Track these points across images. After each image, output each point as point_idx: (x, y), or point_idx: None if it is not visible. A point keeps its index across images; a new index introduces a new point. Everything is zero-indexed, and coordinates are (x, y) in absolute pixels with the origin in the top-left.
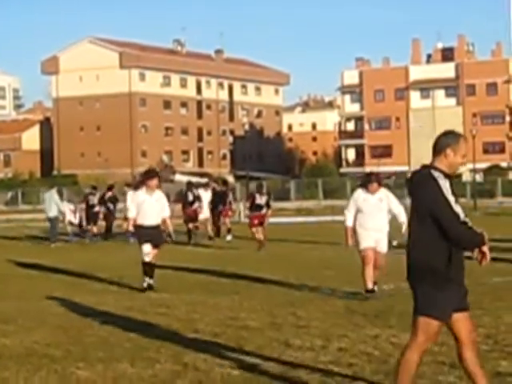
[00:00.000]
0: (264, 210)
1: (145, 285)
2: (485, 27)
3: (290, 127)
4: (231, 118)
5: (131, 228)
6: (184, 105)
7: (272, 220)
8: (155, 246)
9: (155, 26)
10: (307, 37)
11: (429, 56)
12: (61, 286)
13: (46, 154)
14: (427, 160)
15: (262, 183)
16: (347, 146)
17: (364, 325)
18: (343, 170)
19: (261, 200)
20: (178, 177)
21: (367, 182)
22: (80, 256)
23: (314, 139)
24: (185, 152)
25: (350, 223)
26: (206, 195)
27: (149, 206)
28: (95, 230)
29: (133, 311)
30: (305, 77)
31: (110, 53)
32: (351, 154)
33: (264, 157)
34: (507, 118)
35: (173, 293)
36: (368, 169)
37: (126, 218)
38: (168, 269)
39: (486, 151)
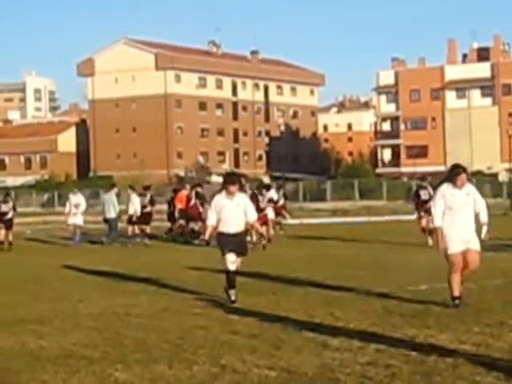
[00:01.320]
0: (266, 211)
1: (233, 298)
2: None
3: (325, 128)
4: (267, 118)
5: (207, 237)
6: (220, 106)
7: (308, 220)
8: (238, 254)
9: (190, 27)
10: (342, 37)
11: (464, 56)
12: (96, 287)
13: (82, 155)
14: (463, 160)
15: (262, 183)
16: (383, 147)
17: (401, 325)
18: (379, 170)
19: (262, 202)
20: (214, 178)
21: (455, 174)
22: (116, 257)
23: (350, 140)
24: (221, 153)
25: (439, 222)
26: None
27: (230, 212)
28: (148, 230)
29: (169, 312)
30: (340, 77)
31: (146, 54)
32: (387, 155)
33: (299, 157)
34: None
35: (209, 293)
36: (404, 169)
37: (130, 221)
38: (205, 270)
39: None
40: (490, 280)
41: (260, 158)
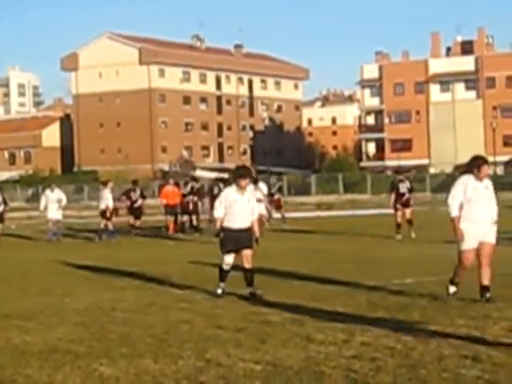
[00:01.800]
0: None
1: (219, 291)
2: (504, 20)
3: (309, 122)
4: (251, 113)
5: (218, 227)
6: (204, 100)
7: (293, 214)
8: (244, 248)
9: (174, 21)
10: (326, 31)
11: (448, 49)
12: (83, 282)
13: (67, 150)
14: (448, 154)
15: (228, 179)
16: (367, 140)
17: (387, 318)
18: (363, 164)
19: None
20: (198, 172)
21: (477, 166)
22: (102, 252)
23: (334, 133)
24: (205, 147)
25: (456, 212)
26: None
27: (240, 208)
28: (138, 223)
29: (155, 307)
30: (324, 71)
31: (129, 49)
32: (371, 148)
33: (284, 151)
34: None
35: (195, 288)
36: (388, 162)
37: (102, 214)
38: (190, 264)
39: (506, 144)
40: (475, 272)
41: (244, 152)
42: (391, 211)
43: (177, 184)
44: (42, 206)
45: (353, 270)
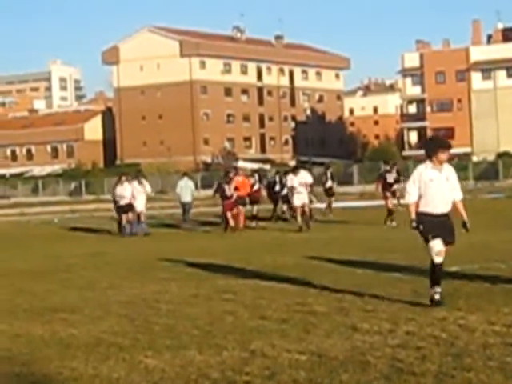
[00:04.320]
0: (234, 197)
1: (437, 297)
2: None
3: (351, 111)
4: (292, 103)
5: (413, 216)
6: (245, 92)
7: (336, 204)
8: (446, 243)
9: (214, 13)
10: (367, 20)
11: (489, 37)
12: (125, 274)
13: (109, 143)
14: (490, 142)
15: (228, 173)
16: (409, 129)
17: (431, 308)
18: (406, 153)
19: (229, 191)
20: (240, 163)
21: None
22: (143, 244)
23: (376, 123)
24: (247, 139)
25: None
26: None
27: (438, 187)
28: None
29: (199, 298)
30: (365, 60)
31: (170, 41)
32: (413, 137)
33: (326, 141)
34: None
35: (239, 279)
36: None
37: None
38: (232, 255)
39: None
40: None
41: (286, 142)
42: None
43: (245, 174)
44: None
45: (396, 259)
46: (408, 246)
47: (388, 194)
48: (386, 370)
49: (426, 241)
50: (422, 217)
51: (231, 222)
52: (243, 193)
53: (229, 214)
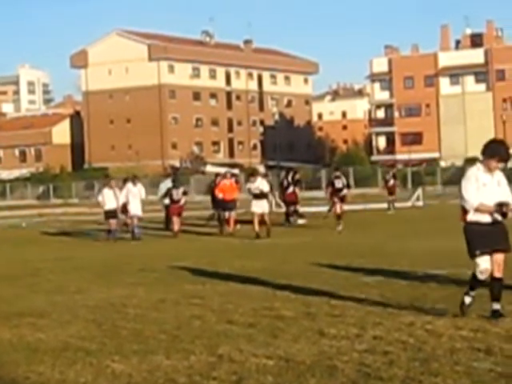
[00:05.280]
0: (181, 202)
1: (467, 300)
2: None
3: (319, 116)
4: (261, 108)
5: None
6: (213, 96)
7: (304, 209)
8: (501, 251)
9: (183, 17)
10: (335, 25)
11: (458, 42)
12: (93, 279)
13: (77, 147)
14: (458, 147)
15: (177, 178)
16: (378, 134)
17: (398, 312)
18: (374, 157)
19: (177, 195)
20: (208, 168)
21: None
22: (112, 249)
23: (345, 127)
24: (215, 143)
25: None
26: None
27: (491, 193)
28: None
29: (166, 303)
30: (334, 65)
31: (139, 45)
32: (382, 142)
33: (294, 146)
34: None
35: (207, 283)
36: (399, 156)
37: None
38: (201, 260)
39: None
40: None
41: (255, 147)
42: (401, 205)
43: (233, 177)
44: (123, 198)
45: (364, 264)
46: (375, 251)
47: (336, 200)
48: (353, 374)
49: (473, 255)
50: (471, 228)
51: (175, 228)
52: (230, 197)
53: (174, 219)
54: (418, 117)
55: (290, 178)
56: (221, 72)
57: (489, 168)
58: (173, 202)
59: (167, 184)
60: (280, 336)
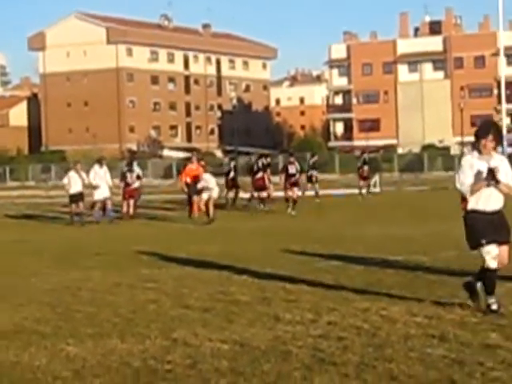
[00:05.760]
0: (135, 186)
1: (494, 307)
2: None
3: (277, 101)
4: (219, 92)
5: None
6: (172, 80)
7: (261, 194)
8: (501, 243)
9: (141, 0)
10: (294, 11)
11: (416, 29)
12: (49, 262)
13: (34, 130)
14: (415, 134)
15: (132, 161)
16: (335, 120)
17: (354, 298)
18: (331, 143)
19: (131, 179)
20: (166, 152)
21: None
22: (71, 232)
23: (302, 113)
24: (173, 127)
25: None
26: None
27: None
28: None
29: (121, 287)
30: (292, 51)
31: (97, 28)
32: (339, 128)
33: (252, 131)
34: (495, 91)
35: (162, 267)
36: (357, 142)
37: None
38: (157, 245)
39: (474, 124)
40: (443, 252)
41: (212, 131)
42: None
43: (200, 161)
44: (92, 180)
45: (320, 249)
46: (331, 236)
47: (288, 186)
48: (307, 359)
49: (476, 246)
50: (472, 216)
51: (128, 210)
52: (196, 180)
53: (127, 202)
54: (376, 103)
55: (260, 164)
56: (179, 56)
57: (485, 150)
58: (127, 185)
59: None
60: (235, 321)
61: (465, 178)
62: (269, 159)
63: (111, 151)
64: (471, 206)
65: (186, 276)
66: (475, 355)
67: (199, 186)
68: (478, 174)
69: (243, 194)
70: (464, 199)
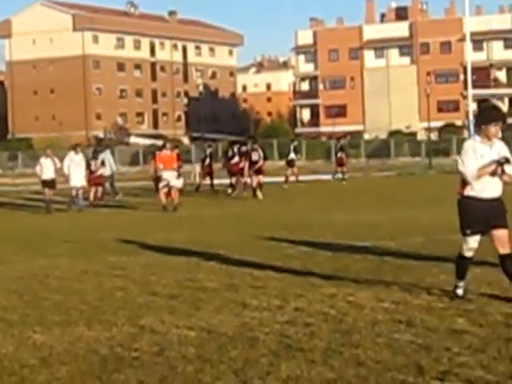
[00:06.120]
0: (99, 173)
1: (459, 292)
2: None
3: (244, 88)
4: (185, 79)
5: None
6: (138, 67)
7: (227, 181)
8: (501, 226)
9: None
10: None
11: (383, 15)
12: (17, 250)
13: (0, 118)
14: (382, 120)
15: (96, 149)
16: (302, 107)
17: (320, 284)
18: (298, 130)
19: (95, 166)
20: (132, 139)
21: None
22: (39, 220)
23: (269, 100)
24: (139, 114)
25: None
26: None
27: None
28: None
29: (88, 274)
30: (258, 37)
31: (63, 15)
32: (306, 115)
33: (219, 118)
34: (461, 77)
35: (129, 255)
36: (323, 129)
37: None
38: (125, 232)
39: (440, 110)
40: (409, 238)
41: (179, 118)
42: (325, 177)
43: (174, 148)
44: (65, 169)
45: (288, 235)
46: (299, 223)
47: (251, 173)
48: (274, 346)
49: (463, 233)
50: (467, 202)
51: (94, 196)
52: (170, 167)
53: (93, 189)
54: (343, 89)
55: (235, 149)
56: (145, 43)
57: (488, 136)
58: (91, 172)
59: (107, 155)
60: (202, 307)
61: (469, 162)
62: (249, 146)
63: (78, 138)
64: (467, 191)
65: (154, 263)
66: (442, 340)
67: (165, 176)
68: (481, 157)
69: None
70: (464, 184)
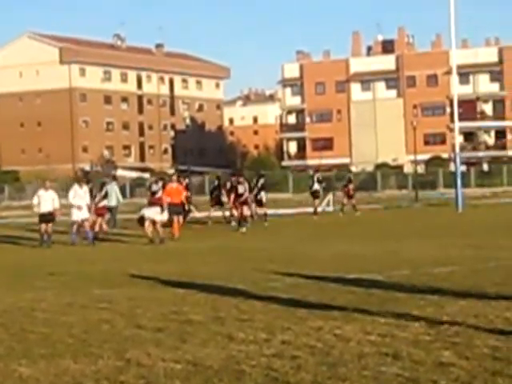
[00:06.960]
0: (101, 204)
1: None
2: (424, 19)
3: (231, 121)
4: (172, 112)
5: None
6: (125, 100)
7: (215, 213)
8: None
9: (94, 20)
10: (247, 30)
11: (369, 48)
12: (3, 282)
13: None
14: (369, 152)
15: (104, 182)
16: (289, 139)
17: (307, 317)
18: (285, 163)
19: (99, 198)
20: (119, 172)
21: None
22: (23, 253)
23: (256, 133)
24: (126, 147)
25: None
26: None
27: None
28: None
29: (74, 307)
30: (245, 70)
31: (50, 48)
32: (293, 147)
33: (205, 151)
34: (448, 110)
35: (115, 287)
36: (310, 161)
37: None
38: (112, 264)
39: (427, 143)
40: (396, 271)
41: (166, 151)
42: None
43: (179, 181)
44: (72, 200)
45: (274, 268)
46: (285, 255)
47: (237, 204)
48: (260, 379)
49: None
50: None
51: (96, 227)
52: (177, 200)
53: (98, 220)
54: (329, 122)
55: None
56: (132, 76)
57: None
58: (95, 204)
59: (113, 187)
60: (188, 340)
61: None
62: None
63: (64, 171)
64: None
65: (140, 296)
66: (429, 373)
67: (151, 211)
68: None
69: (196, 214)
70: None
